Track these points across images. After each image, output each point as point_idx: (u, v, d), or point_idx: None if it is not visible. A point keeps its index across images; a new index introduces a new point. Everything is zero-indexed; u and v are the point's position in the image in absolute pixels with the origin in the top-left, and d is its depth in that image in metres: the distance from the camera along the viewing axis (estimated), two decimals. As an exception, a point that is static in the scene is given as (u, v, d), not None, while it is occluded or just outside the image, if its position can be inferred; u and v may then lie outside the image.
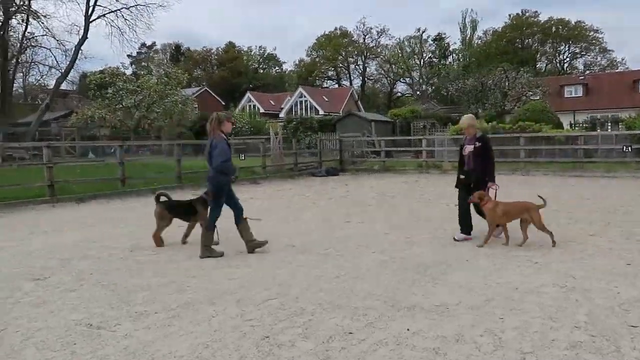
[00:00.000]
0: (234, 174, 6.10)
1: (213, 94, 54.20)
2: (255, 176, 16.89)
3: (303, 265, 5.86)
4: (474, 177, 6.49)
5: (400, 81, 68.63)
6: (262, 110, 50.11)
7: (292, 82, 68.62)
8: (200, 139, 27.81)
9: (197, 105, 41.34)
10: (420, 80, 64.76)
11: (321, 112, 47.02)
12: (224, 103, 53.90)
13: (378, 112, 40.07)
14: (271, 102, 54.14)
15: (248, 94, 54.50)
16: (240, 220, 6.27)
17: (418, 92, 62.69)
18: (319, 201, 11.61)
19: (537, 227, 6.36)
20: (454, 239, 6.65)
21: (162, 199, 7.08)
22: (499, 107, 30.50)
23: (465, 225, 6.76)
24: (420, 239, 6.93)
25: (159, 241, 6.92)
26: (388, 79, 69.15)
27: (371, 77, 70.82)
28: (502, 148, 18.27)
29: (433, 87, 60.65)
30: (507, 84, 31.76)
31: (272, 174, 17.69)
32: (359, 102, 54.68)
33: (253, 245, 6.32)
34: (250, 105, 52.69)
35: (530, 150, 17.57)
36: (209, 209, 6.28)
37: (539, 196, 6.55)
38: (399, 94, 69.93)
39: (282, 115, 47.25)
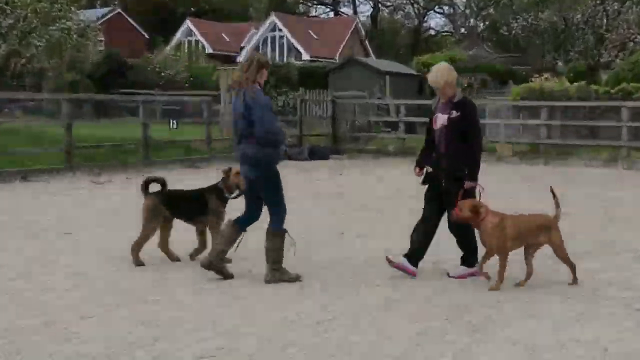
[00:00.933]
0: (283, 144, 6.72)
1: (130, 21, 53.80)
2: (194, 156, 17.42)
3: (264, 301, 5.90)
4: (445, 165, 6.64)
5: (435, 11, 68.61)
6: (209, 50, 49.92)
7: (259, 7, 68.37)
8: (107, 92, 27.47)
9: (102, 39, 40.89)
10: (467, 11, 64.79)
11: (306, 56, 47.14)
12: (147, 35, 53.52)
13: (396, 60, 38.53)
14: (225, 37, 53.93)
15: (187, 23, 54.13)
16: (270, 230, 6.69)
17: (463, 30, 62.62)
18: (295, 201, 11.58)
19: (559, 256, 6.49)
20: (448, 275, 6.84)
21: (155, 188, 7.33)
22: (590, 57, 30.53)
23: (469, 250, 6.89)
24: (455, 267, 6.93)
25: (137, 257, 7.14)
26: (415, 6, 69.14)
27: (388, 3, 70.80)
28: (593, 124, 18.65)
29: (486, 23, 60.53)
30: (604, 21, 31.66)
31: (222, 154, 17.84)
32: (367, 43, 54.67)
33: (282, 276, 6.67)
34: (190, 42, 52.42)
35: (637, 128, 17.93)
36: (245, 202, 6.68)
37: None
38: (432, 32, 69.91)
39: (241, 59, 44.98)
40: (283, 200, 6.59)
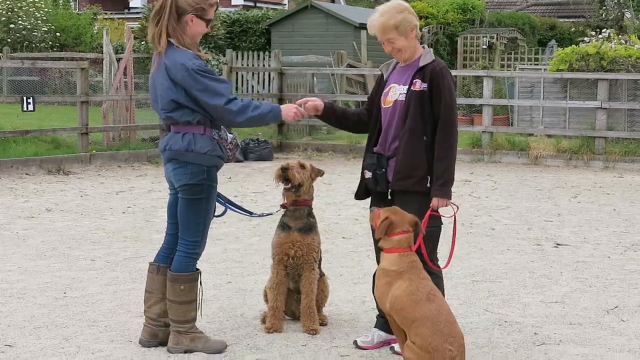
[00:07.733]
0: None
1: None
2: (62, 154, 15.41)
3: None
4: (399, 168, 5.44)
5: None
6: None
7: None
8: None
9: None
10: None
11: (238, -1, 44.02)
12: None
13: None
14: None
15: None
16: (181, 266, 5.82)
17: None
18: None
19: None
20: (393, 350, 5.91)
21: None
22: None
23: None
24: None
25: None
26: None
27: None
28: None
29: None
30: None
31: (107, 152, 16.28)
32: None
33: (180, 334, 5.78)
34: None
35: None
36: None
37: None
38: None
39: (136, 3, 43.49)
40: (206, 229, 5.52)
